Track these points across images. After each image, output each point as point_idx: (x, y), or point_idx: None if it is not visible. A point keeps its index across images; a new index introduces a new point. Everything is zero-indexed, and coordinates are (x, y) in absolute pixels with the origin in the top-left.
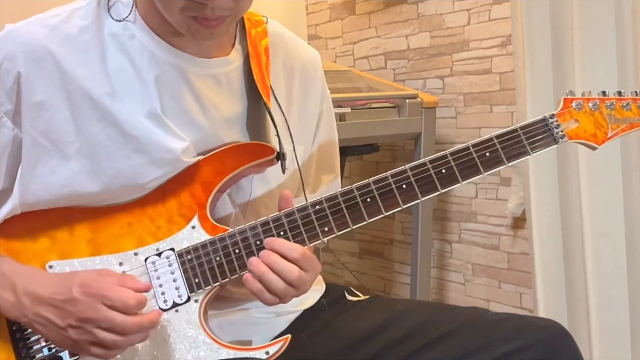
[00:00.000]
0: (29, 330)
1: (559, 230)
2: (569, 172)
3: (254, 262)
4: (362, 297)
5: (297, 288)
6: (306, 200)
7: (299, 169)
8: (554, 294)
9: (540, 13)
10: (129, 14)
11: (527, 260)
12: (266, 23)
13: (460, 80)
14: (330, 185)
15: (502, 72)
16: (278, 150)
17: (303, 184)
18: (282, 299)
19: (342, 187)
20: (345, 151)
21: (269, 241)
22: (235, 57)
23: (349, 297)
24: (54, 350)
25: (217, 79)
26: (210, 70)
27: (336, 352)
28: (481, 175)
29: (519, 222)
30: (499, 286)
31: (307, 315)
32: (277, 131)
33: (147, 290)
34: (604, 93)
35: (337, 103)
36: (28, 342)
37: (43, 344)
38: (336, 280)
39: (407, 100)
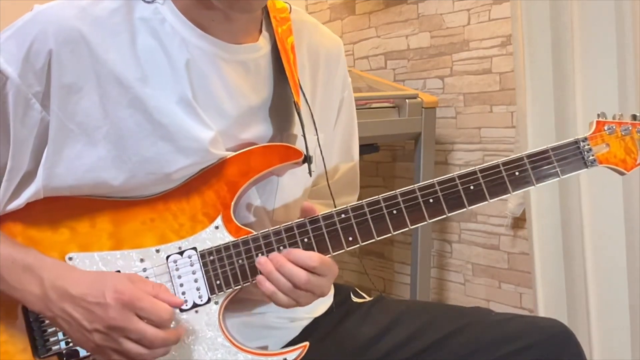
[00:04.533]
0: (46, 322)
1: (559, 230)
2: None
3: (261, 260)
4: (367, 299)
5: (311, 291)
6: (329, 187)
7: (322, 158)
8: (554, 294)
9: (540, 13)
10: None
11: (527, 260)
12: (289, 12)
13: (460, 80)
14: (349, 172)
15: (502, 72)
16: (305, 153)
17: (326, 172)
18: (296, 300)
19: (358, 179)
20: None
21: (286, 251)
22: (263, 43)
23: (354, 299)
24: (71, 343)
25: (245, 66)
26: (239, 56)
27: (344, 355)
28: (509, 195)
29: (519, 222)
30: (499, 286)
31: (317, 321)
32: (304, 132)
33: (180, 305)
34: (634, 117)
35: None
36: (45, 334)
37: (60, 337)
38: (337, 281)
39: (407, 100)
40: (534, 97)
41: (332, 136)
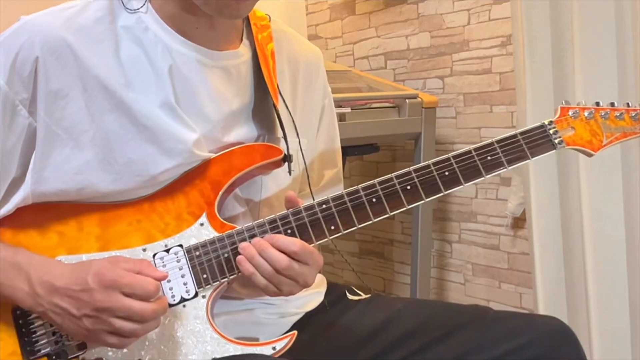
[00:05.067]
0: (35, 324)
1: (559, 230)
2: (569, 172)
3: (244, 245)
4: (364, 296)
5: (293, 279)
6: (311, 193)
7: (304, 162)
8: (554, 294)
9: (540, 13)
10: (142, 6)
11: (527, 260)
12: (269, 21)
13: (460, 80)
14: (333, 178)
15: (502, 72)
16: (285, 152)
17: (308, 177)
18: (278, 287)
19: (343, 185)
20: (346, 151)
21: (268, 237)
22: (244, 50)
23: (350, 297)
24: (59, 344)
25: (227, 71)
26: (221, 62)
27: (338, 352)
28: (483, 178)
29: (519, 222)
30: (499, 286)
31: (309, 316)
32: (284, 133)
33: (164, 279)
34: (597, 104)
35: (337, 103)
36: (34, 336)
37: (48, 339)
38: (336, 281)
39: (407, 100)
40: (534, 97)
41: (315, 143)
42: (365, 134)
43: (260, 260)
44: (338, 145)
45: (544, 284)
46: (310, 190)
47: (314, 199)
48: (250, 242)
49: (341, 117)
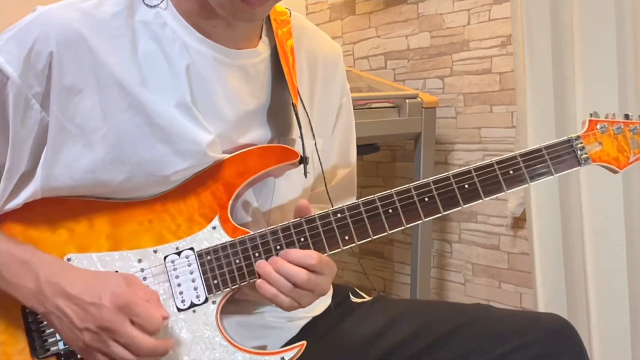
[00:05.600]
0: (45, 322)
1: (559, 230)
2: (569, 172)
3: (261, 264)
4: (366, 299)
5: (312, 290)
6: (327, 193)
7: (320, 163)
8: (554, 294)
9: (540, 13)
10: (162, 1)
11: (527, 260)
12: (289, 16)
13: (460, 80)
14: (346, 177)
15: (502, 72)
16: (301, 154)
17: (325, 178)
18: (298, 301)
19: (355, 185)
20: None
21: (283, 253)
22: (262, 49)
23: (354, 299)
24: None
25: (245, 71)
26: (239, 61)
27: (343, 355)
28: (503, 193)
29: (519, 222)
30: (499, 286)
31: (315, 320)
32: (301, 133)
33: (167, 319)
34: (626, 116)
35: None
36: (43, 334)
37: (57, 338)
38: (337, 281)
39: (407, 100)
40: (534, 97)
41: (330, 142)
42: (365, 134)
43: (278, 277)
44: (354, 145)
45: (544, 284)
46: (327, 190)
47: (330, 199)
48: (267, 260)
49: None
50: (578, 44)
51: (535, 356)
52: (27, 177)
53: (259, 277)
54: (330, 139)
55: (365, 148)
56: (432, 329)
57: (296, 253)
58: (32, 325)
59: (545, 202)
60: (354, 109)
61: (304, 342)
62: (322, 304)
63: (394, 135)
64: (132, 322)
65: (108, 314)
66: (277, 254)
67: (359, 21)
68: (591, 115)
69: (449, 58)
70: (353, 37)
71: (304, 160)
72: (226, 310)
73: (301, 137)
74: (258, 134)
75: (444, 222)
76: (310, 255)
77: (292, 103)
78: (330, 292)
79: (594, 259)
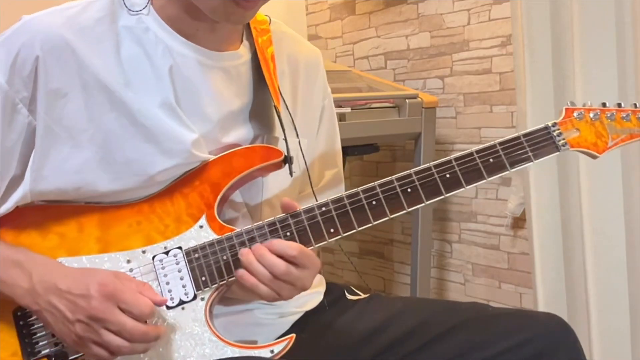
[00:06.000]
0: (36, 326)
1: (559, 230)
2: (569, 172)
3: (244, 251)
4: (362, 296)
5: (291, 283)
6: (314, 192)
7: (305, 163)
8: (554, 294)
9: (540, 13)
10: (144, 7)
11: (527, 260)
12: (269, 24)
13: (460, 80)
14: (333, 179)
15: (502, 72)
16: (285, 153)
17: (310, 178)
18: (278, 292)
19: (343, 186)
20: (345, 151)
21: (267, 242)
22: (243, 52)
23: (349, 296)
24: (60, 345)
25: (227, 72)
26: (221, 62)
27: (338, 352)
28: (485, 181)
29: (519, 222)
30: (499, 286)
31: (308, 316)
32: (284, 135)
33: (162, 304)
34: (604, 104)
35: (337, 103)
36: (34, 337)
37: (48, 340)
38: (336, 280)
39: (407, 100)
40: (534, 97)
41: (315, 143)
42: (365, 134)
43: (258, 267)
44: (338, 146)
45: (544, 284)
46: (313, 190)
47: (316, 199)
48: (250, 248)
49: (341, 117)
50: (578, 44)
51: (532, 355)
52: (16, 180)
53: (242, 266)
54: (314, 139)
55: (365, 148)
56: (429, 327)
57: (279, 243)
58: (24, 328)
59: (545, 202)
60: (354, 109)
61: (293, 335)
62: (313, 299)
63: (394, 135)
64: (122, 310)
65: (96, 303)
66: None
67: (359, 21)
68: (568, 104)
69: (449, 58)
70: (353, 37)
71: (288, 160)
72: (216, 309)
73: (285, 138)
74: (241, 133)
75: (444, 222)
76: (292, 246)
77: (274, 105)
78: (323, 289)
79: (594, 259)
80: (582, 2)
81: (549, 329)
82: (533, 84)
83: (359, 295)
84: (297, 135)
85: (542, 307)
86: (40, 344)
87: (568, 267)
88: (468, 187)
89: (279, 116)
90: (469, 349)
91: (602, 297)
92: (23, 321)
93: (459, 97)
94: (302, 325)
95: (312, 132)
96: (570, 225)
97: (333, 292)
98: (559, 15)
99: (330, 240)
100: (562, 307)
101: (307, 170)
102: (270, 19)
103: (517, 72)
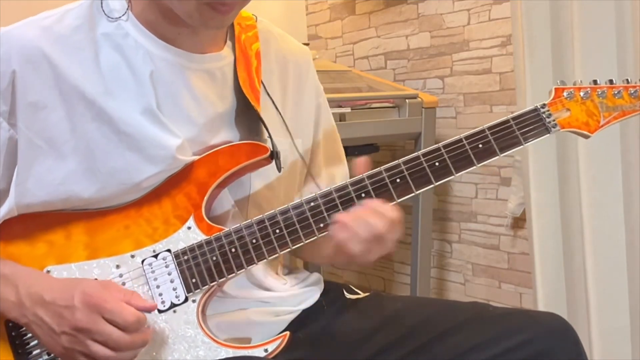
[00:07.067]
0: (29, 335)
1: (559, 230)
2: (569, 172)
3: (339, 214)
4: (362, 295)
5: (384, 244)
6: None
7: (304, 161)
8: (554, 294)
9: (540, 13)
10: (123, 14)
11: (527, 260)
12: (255, 21)
13: (460, 80)
14: (345, 176)
15: (502, 72)
16: (271, 149)
17: (312, 176)
18: (369, 251)
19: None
20: (345, 151)
21: (365, 202)
22: (227, 52)
23: (348, 295)
24: (52, 355)
25: (211, 74)
26: (204, 65)
27: (336, 351)
28: (475, 167)
29: (519, 222)
30: (499, 286)
31: (305, 315)
32: (269, 133)
33: (151, 310)
34: (595, 82)
35: (337, 103)
36: (27, 347)
37: (41, 350)
38: (336, 280)
39: (407, 100)
40: (534, 97)
41: (315, 143)
42: (365, 134)
43: (359, 222)
44: (339, 140)
45: (544, 284)
46: (318, 187)
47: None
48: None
49: (341, 117)
50: (578, 44)
51: (532, 354)
52: (2, 195)
53: (339, 222)
54: (311, 139)
55: (365, 148)
56: (428, 326)
57: (379, 205)
58: (16, 339)
59: (545, 202)
60: (354, 109)
61: (287, 333)
62: (310, 298)
63: (394, 135)
64: (107, 320)
65: (80, 314)
66: (253, 248)
67: (359, 21)
68: (558, 83)
69: (449, 58)
70: (353, 37)
71: (274, 155)
72: (211, 310)
73: (270, 137)
74: (228, 134)
75: (444, 222)
76: (392, 209)
77: (253, 107)
78: (321, 287)
79: (594, 259)
80: (582, 2)
81: (551, 328)
82: (533, 84)
83: (358, 294)
84: (291, 135)
85: (542, 307)
86: (34, 353)
87: (568, 267)
88: (458, 174)
89: (260, 118)
90: (469, 348)
91: (602, 297)
92: (15, 332)
93: (459, 97)
94: (300, 325)
95: (308, 132)
96: (570, 225)
97: (331, 291)
98: (559, 15)
99: (319, 235)
100: (562, 307)
101: (308, 170)
102: (256, 17)
103: (517, 72)
